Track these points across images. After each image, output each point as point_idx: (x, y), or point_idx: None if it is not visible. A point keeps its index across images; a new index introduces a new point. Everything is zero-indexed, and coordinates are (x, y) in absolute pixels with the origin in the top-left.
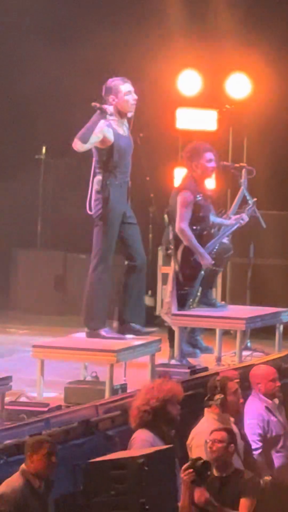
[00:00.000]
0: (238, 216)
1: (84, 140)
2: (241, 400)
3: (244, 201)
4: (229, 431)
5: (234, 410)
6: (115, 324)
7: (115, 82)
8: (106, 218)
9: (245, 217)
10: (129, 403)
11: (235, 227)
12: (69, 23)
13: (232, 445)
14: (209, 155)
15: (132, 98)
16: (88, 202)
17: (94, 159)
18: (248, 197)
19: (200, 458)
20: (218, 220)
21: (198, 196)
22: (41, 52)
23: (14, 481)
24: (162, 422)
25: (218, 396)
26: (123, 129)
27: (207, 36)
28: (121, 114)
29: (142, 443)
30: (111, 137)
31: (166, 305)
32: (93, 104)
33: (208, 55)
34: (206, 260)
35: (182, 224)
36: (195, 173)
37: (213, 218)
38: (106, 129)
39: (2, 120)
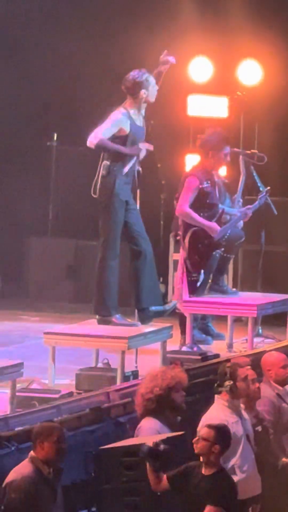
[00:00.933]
0: (245, 208)
1: (100, 143)
2: (257, 385)
3: (255, 188)
4: (220, 431)
5: (244, 397)
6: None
7: (144, 76)
8: (111, 205)
9: (255, 205)
10: (135, 391)
11: (244, 218)
12: (80, 11)
13: (218, 446)
14: (227, 149)
15: (157, 88)
16: (93, 185)
17: None
18: (259, 184)
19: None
20: (228, 210)
21: (205, 182)
22: (53, 38)
23: (24, 468)
24: (167, 409)
25: (227, 383)
26: (140, 119)
27: (219, 23)
28: (147, 104)
29: (148, 431)
30: (127, 128)
31: (177, 292)
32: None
33: (220, 41)
34: (213, 229)
35: (183, 207)
36: (208, 161)
37: (225, 208)
38: (124, 120)
39: (14, 107)
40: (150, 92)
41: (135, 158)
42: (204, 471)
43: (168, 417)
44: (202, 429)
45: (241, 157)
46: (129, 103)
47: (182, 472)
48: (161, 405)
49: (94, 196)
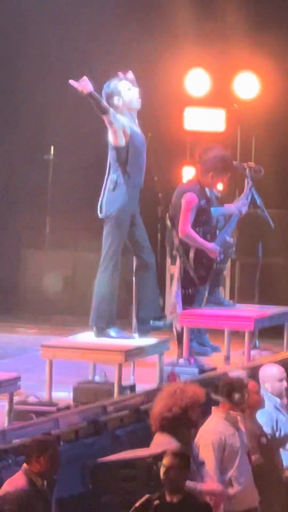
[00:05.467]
0: (240, 203)
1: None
2: (262, 395)
3: (252, 200)
4: (182, 456)
5: (247, 408)
6: (134, 324)
7: (111, 84)
8: (117, 218)
9: (244, 205)
10: (151, 407)
11: (237, 217)
12: (76, 22)
13: (185, 470)
14: (228, 175)
15: (135, 91)
16: (99, 204)
17: (109, 159)
18: (256, 196)
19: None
20: (222, 210)
21: (202, 201)
22: (50, 51)
23: (17, 480)
24: (183, 427)
25: (237, 396)
26: (136, 126)
27: (215, 35)
28: (129, 110)
29: (160, 447)
30: (128, 131)
31: (171, 306)
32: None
33: (216, 54)
34: (214, 251)
35: (185, 228)
36: (205, 179)
37: (219, 210)
38: (126, 122)
39: (11, 120)
40: (126, 97)
41: (142, 170)
42: (169, 499)
43: (183, 433)
44: (164, 459)
45: (247, 170)
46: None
47: (144, 504)
48: (178, 424)
49: (101, 215)
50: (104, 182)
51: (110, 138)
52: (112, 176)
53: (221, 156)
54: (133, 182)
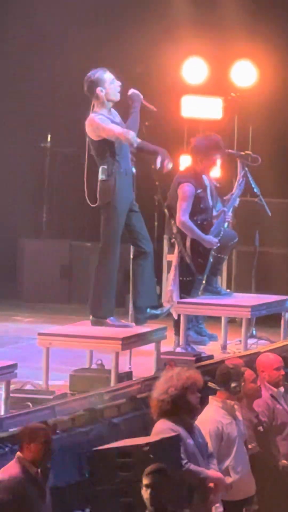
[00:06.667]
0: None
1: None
2: (259, 383)
3: (249, 189)
4: (160, 471)
5: (244, 397)
6: (131, 312)
7: (97, 74)
8: (114, 207)
9: (237, 194)
10: (150, 394)
11: (235, 203)
12: (74, 10)
13: (165, 489)
14: (217, 156)
15: (117, 84)
16: (87, 195)
17: (92, 152)
18: (253, 185)
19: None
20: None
21: (198, 190)
22: (47, 38)
23: (11, 468)
24: (183, 411)
25: (233, 384)
26: (113, 116)
27: (213, 24)
28: (108, 101)
29: (161, 435)
30: None
31: (168, 293)
32: None
33: (214, 42)
34: (211, 243)
35: (183, 218)
36: (197, 166)
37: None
38: (105, 119)
39: (8, 108)
40: (108, 89)
41: (128, 157)
42: None
43: (184, 419)
44: (144, 479)
45: (238, 159)
46: (96, 106)
47: None
48: (176, 406)
49: (93, 205)
50: (85, 173)
51: (98, 135)
52: (102, 166)
53: (204, 138)
54: (124, 169)
